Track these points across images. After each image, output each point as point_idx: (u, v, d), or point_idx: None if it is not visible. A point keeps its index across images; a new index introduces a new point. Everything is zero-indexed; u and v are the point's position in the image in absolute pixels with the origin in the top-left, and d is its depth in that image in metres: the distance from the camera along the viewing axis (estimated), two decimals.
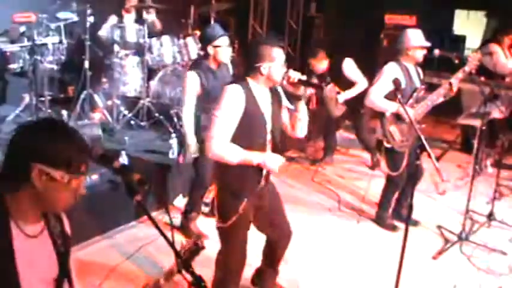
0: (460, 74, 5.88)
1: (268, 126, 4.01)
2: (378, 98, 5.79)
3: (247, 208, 4.01)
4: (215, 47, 5.43)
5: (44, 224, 2.36)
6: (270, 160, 3.90)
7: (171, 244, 2.46)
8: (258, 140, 3.96)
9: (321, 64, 7.65)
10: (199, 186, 5.78)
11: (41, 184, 2.17)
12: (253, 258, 4.55)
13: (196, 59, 5.88)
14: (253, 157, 3.85)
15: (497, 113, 6.73)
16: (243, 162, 3.84)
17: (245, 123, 3.86)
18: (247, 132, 3.88)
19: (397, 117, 5.81)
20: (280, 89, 4.20)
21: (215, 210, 4.10)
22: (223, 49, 5.47)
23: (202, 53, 6.25)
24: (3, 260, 2.18)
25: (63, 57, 7.72)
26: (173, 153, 6.71)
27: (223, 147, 3.81)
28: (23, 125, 2.24)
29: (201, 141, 5.34)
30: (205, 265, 5.00)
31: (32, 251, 2.27)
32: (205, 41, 5.56)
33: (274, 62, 3.89)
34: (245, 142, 3.86)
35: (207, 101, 5.25)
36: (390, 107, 5.77)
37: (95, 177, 5.45)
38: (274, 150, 4.06)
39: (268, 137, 4.02)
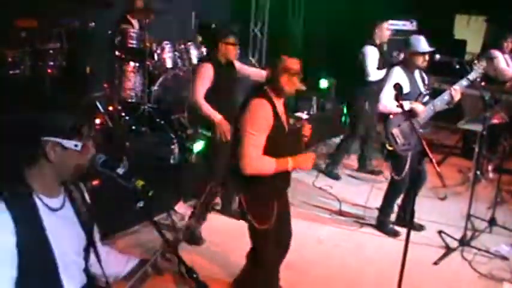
0: (464, 82, 5.88)
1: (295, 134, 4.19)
2: (389, 101, 5.78)
3: (280, 210, 4.14)
4: (226, 44, 5.60)
5: (66, 196, 2.47)
6: (303, 161, 4.03)
7: (173, 248, 2.49)
8: (289, 147, 4.06)
9: None
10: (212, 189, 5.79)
11: (56, 157, 2.29)
12: None
13: (208, 54, 5.99)
14: (288, 164, 3.96)
15: (498, 118, 6.74)
16: (278, 171, 3.94)
17: (274, 135, 3.94)
18: (277, 143, 3.96)
19: (400, 120, 5.81)
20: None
21: (247, 213, 4.13)
22: (233, 47, 5.65)
23: (206, 50, 6.34)
24: (35, 232, 2.27)
25: (64, 63, 7.73)
26: (174, 159, 6.71)
27: (259, 162, 3.90)
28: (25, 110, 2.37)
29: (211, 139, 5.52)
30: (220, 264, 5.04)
31: (58, 223, 2.36)
32: (217, 37, 5.68)
33: (294, 72, 3.98)
34: (277, 152, 3.95)
35: (214, 95, 5.49)
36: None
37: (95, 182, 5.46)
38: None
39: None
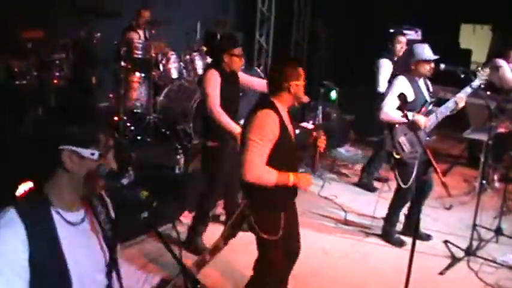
0: (468, 89, 5.89)
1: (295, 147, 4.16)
2: (391, 110, 5.79)
3: (285, 220, 4.12)
4: (231, 55, 5.58)
5: (88, 210, 2.37)
6: (304, 180, 4.04)
7: (178, 260, 2.47)
8: (291, 160, 4.09)
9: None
10: (210, 198, 5.81)
11: (73, 166, 2.19)
12: None
13: (212, 63, 6.01)
14: (289, 178, 3.95)
15: (503, 127, 6.74)
16: (279, 184, 3.93)
17: (279, 147, 3.95)
18: (281, 155, 3.96)
19: (407, 129, 5.81)
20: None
21: (254, 225, 4.11)
22: (238, 59, 5.63)
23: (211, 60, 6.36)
24: (50, 248, 2.17)
25: (70, 73, 7.76)
26: (179, 169, 6.71)
27: (261, 171, 3.89)
28: (40, 118, 2.29)
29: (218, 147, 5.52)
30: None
31: (77, 238, 2.26)
32: (223, 48, 5.66)
33: (300, 80, 4.03)
34: (280, 164, 3.94)
35: (220, 103, 5.47)
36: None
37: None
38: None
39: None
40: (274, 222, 4.08)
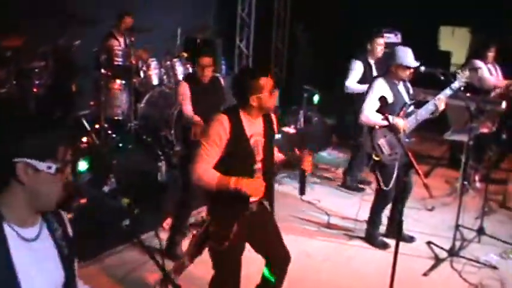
0: (448, 91, 5.92)
1: (259, 156, 4.04)
2: (371, 112, 5.80)
3: (238, 234, 4.00)
4: (202, 63, 5.64)
5: (44, 227, 2.26)
6: (248, 185, 3.85)
7: (161, 267, 2.44)
8: (246, 168, 3.99)
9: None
10: (187, 206, 5.78)
11: (29, 179, 2.09)
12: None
13: (189, 73, 6.05)
14: (229, 182, 3.81)
15: (483, 128, 6.78)
16: (220, 187, 3.84)
17: (231, 152, 3.90)
18: (234, 161, 3.92)
19: (386, 131, 5.83)
20: (273, 117, 4.26)
21: (206, 231, 4.09)
22: (208, 68, 5.67)
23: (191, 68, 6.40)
24: (0, 263, 2.07)
25: (50, 81, 7.71)
26: (161, 176, 6.68)
27: (201, 172, 3.85)
28: None
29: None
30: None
31: (31, 255, 2.16)
32: (197, 55, 5.73)
33: (263, 92, 3.93)
34: (233, 170, 3.88)
35: (197, 112, 5.51)
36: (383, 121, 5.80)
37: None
38: (265, 177, 4.07)
39: (258, 165, 4.04)
40: (222, 233, 3.98)
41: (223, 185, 3.82)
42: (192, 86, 5.63)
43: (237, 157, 3.94)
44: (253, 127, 4.02)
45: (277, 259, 4.35)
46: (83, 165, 5.82)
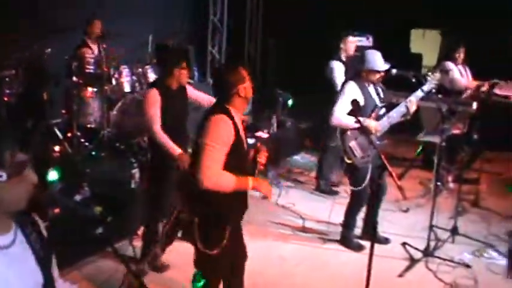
0: (419, 93, 5.98)
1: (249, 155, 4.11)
2: (342, 115, 5.82)
3: (230, 235, 3.99)
4: (181, 69, 5.53)
5: (18, 232, 2.23)
6: (264, 186, 3.98)
7: (136, 275, 2.43)
8: (246, 168, 4.02)
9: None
10: (160, 215, 5.71)
11: None
12: None
13: (155, 80, 5.99)
14: (248, 183, 3.87)
15: (455, 129, 6.85)
16: (239, 189, 3.85)
17: (234, 153, 3.86)
18: (235, 162, 3.87)
19: (357, 133, 5.86)
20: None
21: (196, 237, 4.01)
22: (185, 72, 5.61)
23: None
24: None
25: (21, 90, 7.63)
26: (135, 183, 6.64)
27: (219, 176, 3.78)
28: None
29: (163, 166, 5.42)
30: None
31: (9, 260, 2.14)
32: (173, 62, 5.61)
33: (246, 81, 3.98)
34: (235, 171, 3.85)
35: (164, 121, 5.38)
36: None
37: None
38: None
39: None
40: (218, 235, 3.95)
41: (243, 186, 3.86)
42: (161, 92, 5.49)
43: (239, 158, 3.91)
44: (239, 124, 4.02)
45: (237, 258, 4.32)
46: (53, 175, 5.73)
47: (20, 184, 2.12)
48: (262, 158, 4.23)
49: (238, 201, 3.99)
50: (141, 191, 6.55)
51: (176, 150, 5.31)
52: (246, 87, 3.97)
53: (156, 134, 5.37)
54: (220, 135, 3.81)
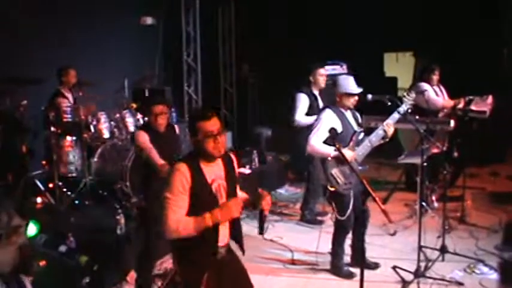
0: (396, 115, 6.04)
1: (223, 200, 3.98)
2: (318, 143, 5.87)
3: (210, 280, 3.92)
4: (158, 105, 5.61)
5: None
6: (225, 211, 3.83)
7: None
8: (216, 207, 3.88)
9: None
10: (149, 258, 5.68)
11: None
12: None
13: (144, 122, 6.05)
14: (205, 220, 3.76)
15: (435, 148, 6.90)
16: (201, 229, 3.77)
17: (195, 200, 3.83)
18: (199, 208, 3.82)
19: (339, 161, 5.88)
20: (233, 157, 4.23)
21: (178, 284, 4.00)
22: (163, 115, 5.65)
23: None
24: None
25: None
26: (121, 229, 6.58)
27: (176, 225, 3.75)
28: None
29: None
30: None
31: None
32: (149, 108, 5.69)
33: (199, 135, 3.88)
34: (200, 213, 3.79)
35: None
36: (331, 151, 5.84)
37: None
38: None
39: None
40: (194, 281, 3.90)
41: (202, 226, 3.76)
42: (150, 135, 5.57)
43: (201, 204, 3.84)
44: (213, 171, 3.97)
45: None
46: (32, 229, 5.62)
47: (6, 247, 2.11)
48: (266, 204, 4.13)
49: (206, 245, 3.91)
50: (131, 235, 6.50)
51: (159, 160, 5.45)
52: (198, 141, 3.88)
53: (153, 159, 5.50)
54: (175, 185, 3.81)
